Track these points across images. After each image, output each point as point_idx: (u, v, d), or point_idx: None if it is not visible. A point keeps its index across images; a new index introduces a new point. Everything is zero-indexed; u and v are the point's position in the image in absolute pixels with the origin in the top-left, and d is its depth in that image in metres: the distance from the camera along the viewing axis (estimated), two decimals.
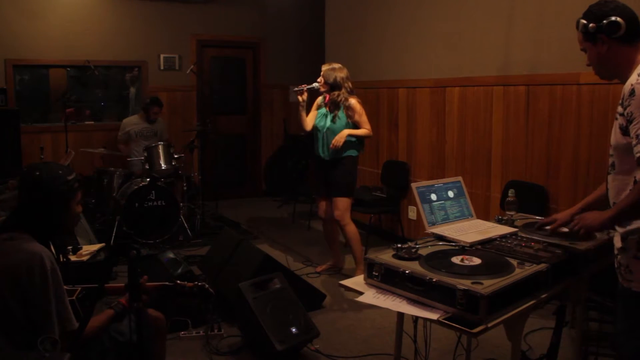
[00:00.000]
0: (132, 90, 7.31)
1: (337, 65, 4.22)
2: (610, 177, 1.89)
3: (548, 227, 2.35)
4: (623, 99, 1.76)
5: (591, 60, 1.93)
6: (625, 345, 1.87)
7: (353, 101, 4.15)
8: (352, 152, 4.23)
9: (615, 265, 1.92)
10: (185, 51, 7.31)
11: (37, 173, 2.02)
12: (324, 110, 4.29)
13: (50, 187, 1.99)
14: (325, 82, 4.18)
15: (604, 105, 3.62)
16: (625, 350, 1.86)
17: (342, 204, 4.25)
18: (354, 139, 4.19)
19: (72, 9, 6.63)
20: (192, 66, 6.69)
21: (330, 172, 4.27)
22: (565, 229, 2.40)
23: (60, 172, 2.05)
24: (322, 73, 4.22)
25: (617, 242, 1.89)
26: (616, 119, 1.81)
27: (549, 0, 3.92)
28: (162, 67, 7.19)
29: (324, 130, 4.24)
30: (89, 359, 2.09)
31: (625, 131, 1.75)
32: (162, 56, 7.16)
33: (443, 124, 4.95)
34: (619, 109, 1.79)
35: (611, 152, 1.87)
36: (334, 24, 6.63)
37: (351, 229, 4.32)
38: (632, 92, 1.72)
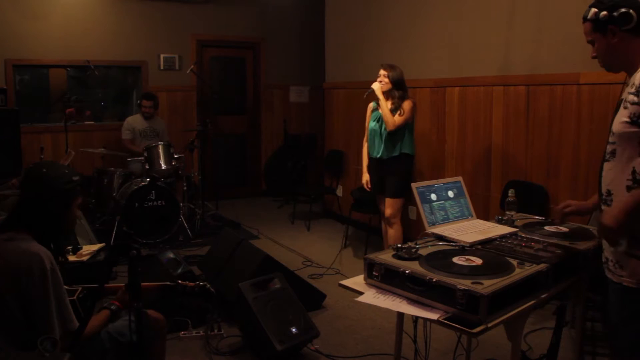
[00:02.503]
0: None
1: (397, 66, 4.24)
2: (606, 165, 1.89)
3: (558, 208, 2.29)
4: (638, 88, 1.76)
5: (599, 51, 1.91)
6: (621, 337, 1.89)
7: (407, 102, 4.15)
8: (407, 150, 4.22)
9: (603, 260, 1.94)
10: (185, 51, 7.31)
11: (44, 170, 2.05)
12: (378, 113, 4.27)
13: (53, 184, 2.01)
14: (391, 81, 4.18)
15: (604, 105, 3.62)
16: (621, 342, 1.89)
17: (396, 203, 4.27)
18: (407, 137, 4.21)
19: (72, 9, 6.62)
20: (192, 66, 6.68)
21: (387, 170, 4.26)
22: (566, 229, 2.40)
23: (65, 171, 2.08)
24: (385, 73, 4.20)
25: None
26: (625, 107, 1.80)
27: (549, 0, 3.92)
28: (162, 67, 7.19)
29: (380, 129, 4.24)
30: (89, 359, 2.10)
31: (634, 121, 1.75)
32: (162, 56, 7.16)
33: (443, 124, 4.95)
34: (631, 97, 1.77)
35: (612, 139, 1.85)
36: (334, 24, 6.63)
37: (397, 229, 4.29)
38: None
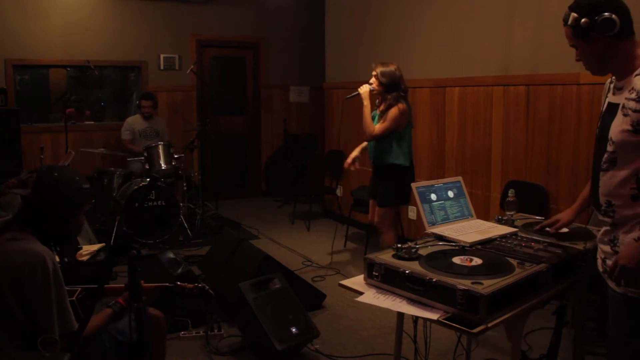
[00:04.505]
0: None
1: (391, 64, 3.89)
2: (604, 175, 1.78)
3: (549, 229, 2.33)
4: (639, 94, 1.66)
5: (582, 56, 1.82)
6: (618, 351, 1.83)
7: (393, 110, 3.79)
8: (397, 160, 3.88)
9: (601, 270, 1.87)
10: (185, 51, 7.30)
11: (56, 174, 2.06)
12: (376, 113, 3.95)
13: (64, 190, 2.01)
14: (380, 84, 3.84)
15: None
16: (621, 356, 1.83)
17: (381, 212, 4.02)
18: (394, 146, 3.87)
19: (72, 9, 6.62)
20: (192, 66, 6.69)
21: (378, 179, 4.05)
22: (566, 229, 2.40)
23: (77, 178, 2.08)
24: (375, 73, 3.88)
25: (605, 247, 1.84)
26: (626, 114, 1.69)
27: (549, 0, 3.92)
28: (162, 67, 7.19)
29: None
30: (90, 358, 2.10)
31: (637, 129, 1.66)
32: (162, 56, 7.16)
33: (443, 124, 4.95)
34: (632, 104, 1.67)
35: (612, 148, 1.75)
36: (334, 24, 6.64)
37: (385, 238, 4.01)
38: None
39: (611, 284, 1.81)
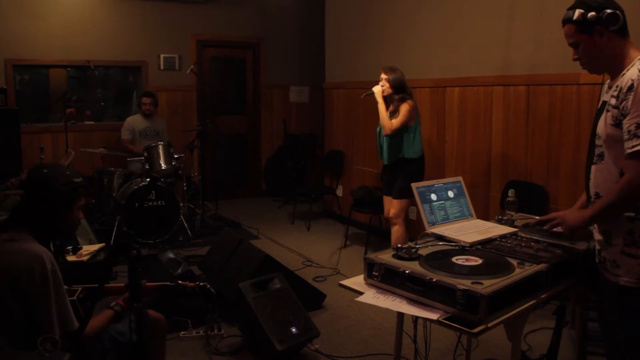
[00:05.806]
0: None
1: (397, 70, 4.24)
2: (594, 167, 1.91)
3: (545, 227, 2.34)
4: (620, 92, 1.78)
5: (584, 53, 1.90)
6: (614, 338, 1.90)
7: (403, 105, 4.14)
8: (413, 154, 4.21)
9: (597, 261, 1.95)
10: (185, 51, 7.31)
11: (45, 171, 2.06)
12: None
13: (54, 186, 2.01)
14: (391, 86, 4.19)
15: None
16: (617, 342, 1.89)
17: (400, 204, 4.27)
18: (408, 141, 4.20)
19: (72, 9, 6.63)
20: (192, 66, 6.68)
21: (394, 174, 4.30)
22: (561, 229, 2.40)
23: (67, 173, 2.08)
24: (385, 77, 4.21)
25: (599, 238, 1.93)
26: (607, 110, 1.82)
27: (549, 0, 3.92)
28: (162, 67, 7.19)
29: (380, 135, 4.31)
30: (90, 359, 2.10)
31: (618, 124, 1.78)
32: (162, 56, 7.16)
33: (443, 124, 4.95)
34: (613, 101, 1.80)
35: (599, 142, 1.87)
36: (334, 23, 6.63)
37: (400, 229, 4.30)
38: (631, 87, 1.73)
39: (605, 274, 1.90)
